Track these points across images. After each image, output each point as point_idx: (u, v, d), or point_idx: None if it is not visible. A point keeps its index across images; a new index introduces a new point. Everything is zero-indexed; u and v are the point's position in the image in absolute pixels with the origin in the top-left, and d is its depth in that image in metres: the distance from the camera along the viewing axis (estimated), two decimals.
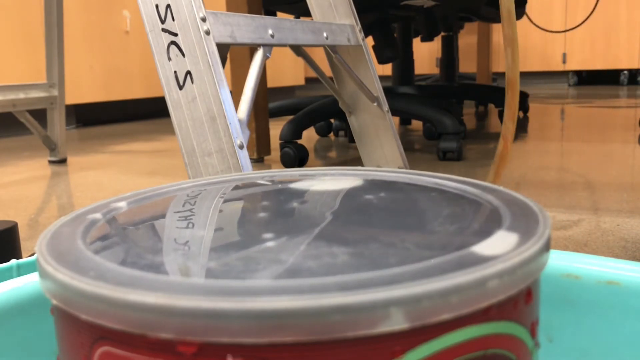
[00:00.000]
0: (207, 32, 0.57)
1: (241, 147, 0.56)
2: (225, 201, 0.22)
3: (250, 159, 1.39)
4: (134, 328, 0.13)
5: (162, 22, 0.57)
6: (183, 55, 0.56)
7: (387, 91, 1.66)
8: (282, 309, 0.12)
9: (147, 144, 1.84)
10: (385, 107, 0.90)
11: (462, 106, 2.19)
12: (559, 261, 0.28)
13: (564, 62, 3.84)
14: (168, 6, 0.57)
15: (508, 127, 0.52)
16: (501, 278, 0.14)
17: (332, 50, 0.82)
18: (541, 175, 1.13)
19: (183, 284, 0.13)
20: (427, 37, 1.86)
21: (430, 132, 1.70)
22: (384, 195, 0.22)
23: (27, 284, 0.26)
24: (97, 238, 0.18)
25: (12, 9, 2.11)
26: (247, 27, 0.63)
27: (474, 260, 0.14)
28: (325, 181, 0.24)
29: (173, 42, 0.57)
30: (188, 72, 0.56)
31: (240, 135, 0.57)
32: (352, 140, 1.70)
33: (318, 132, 1.87)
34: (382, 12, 1.57)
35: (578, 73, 4.00)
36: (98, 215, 0.20)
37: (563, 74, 4.02)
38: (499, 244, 0.16)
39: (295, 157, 1.33)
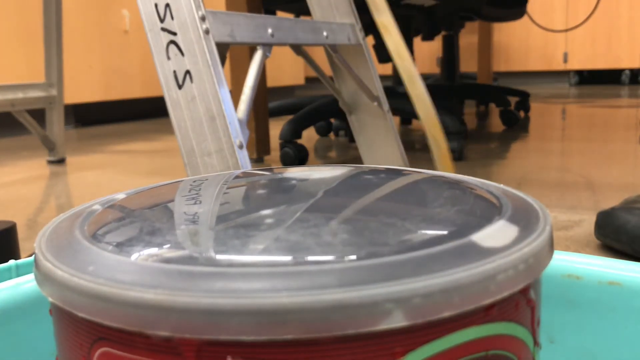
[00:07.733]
0: (207, 31, 0.56)
1: (241, 147, 0.56)
2: (227, 187, 0.22)
3: (250, 158, 1.39)
4: (133, 326, 0.13)
5: (162, 21, 0.57)
6: (182, 54, 0.56)
7: (388, 90, 1.66)
8: (281, 305, 0.12)
9: (146, 143, 1.84)
10: (386, 106, 0.90)
11: (463, 106, 2.18)
12: (560, 262, 0.28)
13: (565, 61, 3.84)
14: (167, 5, 0.56)
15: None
16: (506, 272, 0.14)
17: (332, 50, 0.82)
18: (542, 175, 1.12)
19: (182, 280, 0.13)
20: (428, 37, 1.85)
21: None
22: (384, 176, 0.22)
23: (25, 284, 0.26)
24: (95, 225, 0.18)
25: (11, 8, 2.11)
26: (246, 26, 0.63)
27: (475, 252, 0.14)
28: (326, 171, 0.24)
29: (172, 41, 0.56)
30: (187, 72, 0.56)
31: (239, 135, 0.57)
32: (352, 140, 1.70)
33: (318, 131, 1.87)
34: None
35: (579, 72, 4.00)
36: (97, 207, 0.20)
37: (564, 73, 4.02)
38: (500, 236, 0.15)
39: (295, 157, 1.33)
